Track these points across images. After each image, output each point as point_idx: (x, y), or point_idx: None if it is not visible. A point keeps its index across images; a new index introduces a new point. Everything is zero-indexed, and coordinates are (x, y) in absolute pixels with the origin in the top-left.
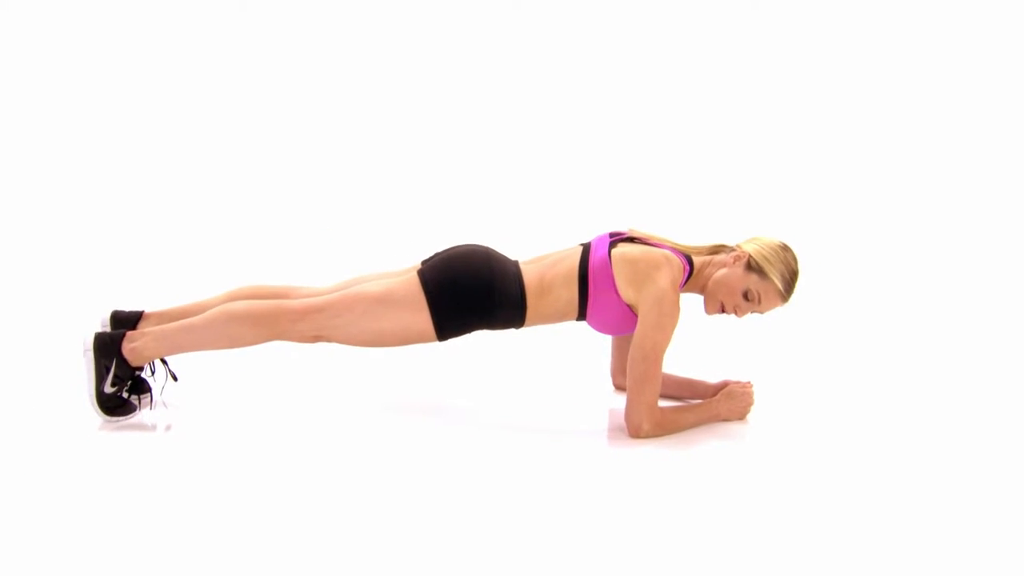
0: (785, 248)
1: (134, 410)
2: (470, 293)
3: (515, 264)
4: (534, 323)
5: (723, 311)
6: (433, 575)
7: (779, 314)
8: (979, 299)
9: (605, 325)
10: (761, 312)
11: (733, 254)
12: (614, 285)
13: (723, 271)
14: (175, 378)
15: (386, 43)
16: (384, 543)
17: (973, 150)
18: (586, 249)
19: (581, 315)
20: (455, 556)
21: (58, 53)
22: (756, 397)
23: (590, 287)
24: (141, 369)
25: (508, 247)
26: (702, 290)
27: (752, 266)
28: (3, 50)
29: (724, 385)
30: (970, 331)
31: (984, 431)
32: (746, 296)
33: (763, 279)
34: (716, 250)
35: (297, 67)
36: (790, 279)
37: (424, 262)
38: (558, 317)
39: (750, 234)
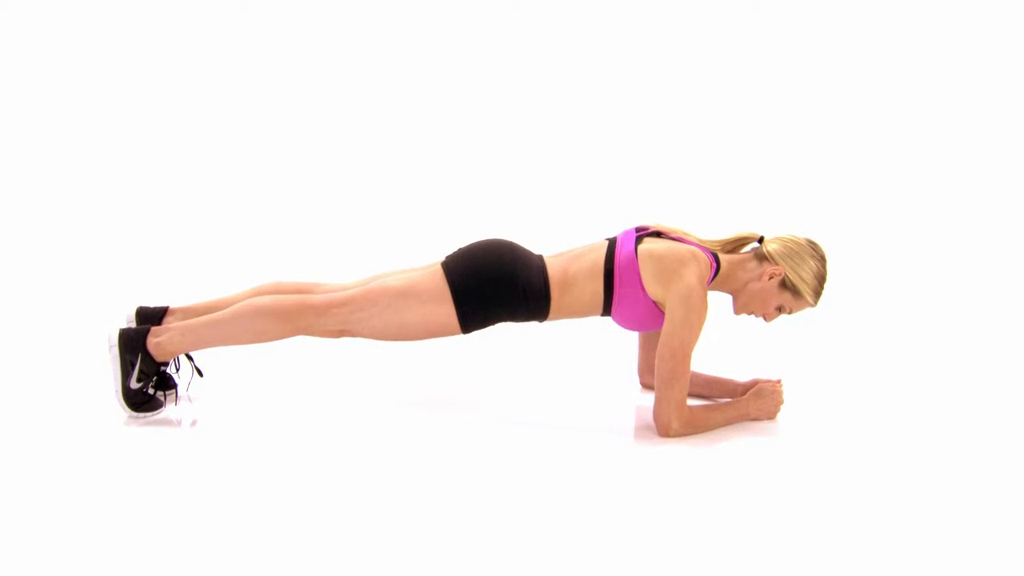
0: (813, 253)
1: (160, 406)
2: (494, 284)
3: (539, 257)
4: (558, 316)
5: (751, 315)
6: (457, 572)
7: (811, 313)
8: (1012, 295)
9: (630, 321)
10: (790, 314)
11: (767, 269)
12: (640, 281)
13: (757, 286)
14: (200, 373)
15: (407, 39)
16: (407, 539)
17: (987, 141)
18: (612, 244)
19: (606, 310)
20: (479, 553)
21: (86, 51)
22: (786, 396)
23: (615, 283)
24: (166, 365)
25: (529, 244)
26: (731, 292)
27: (787, 285)
28: (21, 50)
29: (754, 384)
30: (1002, 327)
31: (1018, 430)
32: (779, 310)
33: (797, 298)
34: (740, 243)
35: (319, 64)
36: (821, 290)
37: (447, 256)
38: (583, 311)
39: (766, 223)
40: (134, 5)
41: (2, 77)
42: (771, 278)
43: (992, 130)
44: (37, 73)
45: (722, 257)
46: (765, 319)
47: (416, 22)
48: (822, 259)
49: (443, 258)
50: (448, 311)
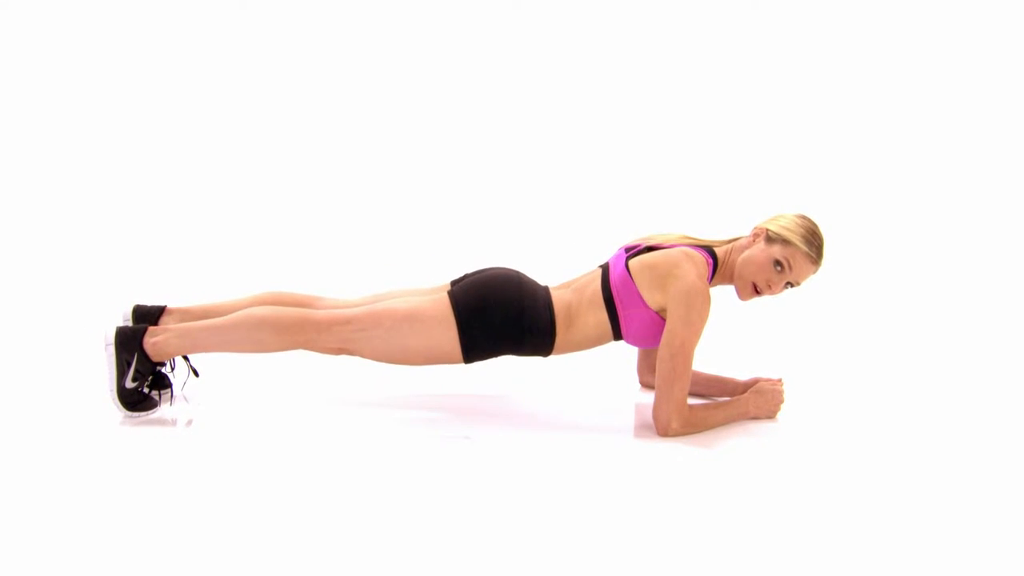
0: (804, 217)
1: (155, 406)
2: (500, 319)
3: (545, 290)
4: (565, 351)
5: (757, 292)
6: (457, 572)
7: (811, 310)
8: (1012, 294)
9: (644, 339)
10: (796, 283)
11: (753, 231)
12: (640, 296)
13: (747, 252)
14: (196, 374)
15: (414, 60)
16: (406, 538)
17: (985, 139)
18: (605, 269)
19: (617, 335)
20: (480, 553)
21: (87, 51)
22: (787, 395)
23: (617, 305)
24: (162, 364)
25: (530, 261)
26: (731, 278)
27: (772, 238)
28: (21, 49)
29: (754, 382)
30: (1003, 326)
31: (1019, 430)
32: (777, 266)
33: (787, 246)
34: (735, 240)
35: (329, 75)
36: (815, 242)
37: (454, 283)
38: (592, 342)
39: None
40: (135, 5)
41: (2, 77)
42: (756, 237)
43: (991, 129)
44: (37, 72)
45: (718, 250)
46: (771, 288)
47: (426, 39)
48: (813, 221)
49: (449, 285)
50: (452, 340)
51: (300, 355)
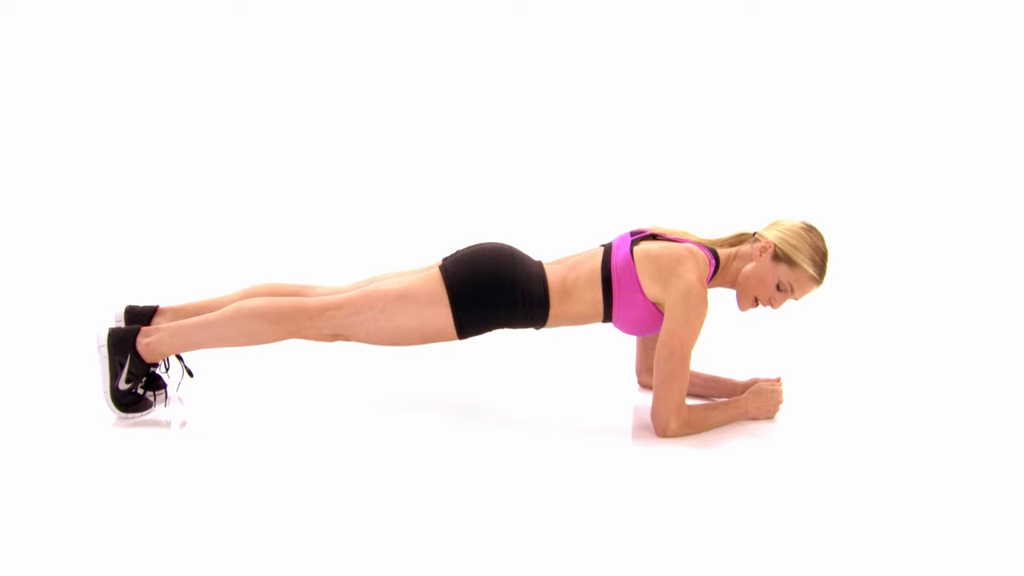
0: (809, 229)
1: (149, 406)
2: (493, 290)
3: (539, 264)
4: (557, 324)
5: (757, 304)
6: (456, 573)
7: (811, 311)
8: (1011, 294)
9: (632, 326)
10: (796, 299)
11: (758, 245)
12: (639, 284)
13: (751, 265)
14: (190, 374)
15: (404, 39)
16: (404, 541)
17: (986, 139)
18: (607, 249)
19: (607, 317)
20: (478, 555)
21: (79, 49)
22: (786, 395)
23: (614, 287)
24: (156, 365)
25: (527, 246)
26: (732, 285)
27: (779, 256)
28: (19, 49)
29: (753, 383)
30: (1001, 326)
31: (1018, 430)
32: (779, 287)
33: (793, 268)
34: (739, 240)
35: (314, 63)
36: (821, 262)
37: (445, 259)
38: (583, 319)
39: (770, 220)
40: (133, 5)
41: None
42: (763, 252)
43: (992, 129)
44: (32, 71)
45: (720, 252)
46: (772, 305)
47: (414, 22)
48: (818, 234)
49: (440, 261)
50: (445, 316)
51: (292, 351)
